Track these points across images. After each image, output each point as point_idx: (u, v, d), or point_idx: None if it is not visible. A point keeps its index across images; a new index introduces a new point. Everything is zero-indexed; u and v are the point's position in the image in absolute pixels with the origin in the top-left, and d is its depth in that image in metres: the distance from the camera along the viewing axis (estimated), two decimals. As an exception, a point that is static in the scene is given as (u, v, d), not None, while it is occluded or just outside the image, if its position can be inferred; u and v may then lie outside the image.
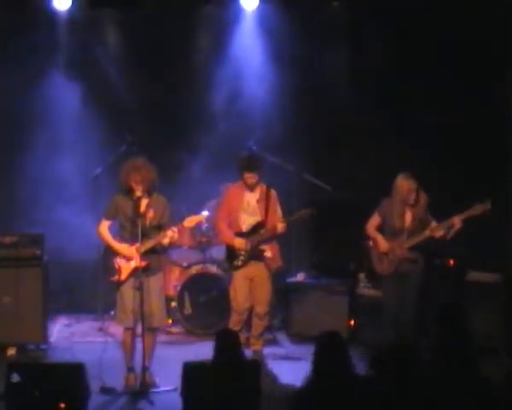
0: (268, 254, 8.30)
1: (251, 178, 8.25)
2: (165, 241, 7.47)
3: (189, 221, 7.55)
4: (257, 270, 8.25)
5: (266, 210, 8.27)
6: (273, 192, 8.39)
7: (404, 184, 8.24)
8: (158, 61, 10.57)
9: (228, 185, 8.54)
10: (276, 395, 7.14)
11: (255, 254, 8.24)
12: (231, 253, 8.32)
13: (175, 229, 7.42)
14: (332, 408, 4.91)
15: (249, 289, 8.27)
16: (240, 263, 8.25)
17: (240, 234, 8.28)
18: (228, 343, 5.74)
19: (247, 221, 8.30)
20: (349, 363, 5.08)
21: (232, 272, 8.36)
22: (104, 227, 7.60)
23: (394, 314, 8.12)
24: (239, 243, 8.23)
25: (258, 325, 8.31)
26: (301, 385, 5.07)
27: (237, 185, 8.39)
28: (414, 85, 10.76)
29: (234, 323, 8.24)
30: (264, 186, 8.36)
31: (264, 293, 8.27)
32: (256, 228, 8.26)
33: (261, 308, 8.27)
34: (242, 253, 8.24)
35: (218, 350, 5.67)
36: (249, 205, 8.31)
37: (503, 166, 10.68)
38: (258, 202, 8.30)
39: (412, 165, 10.62)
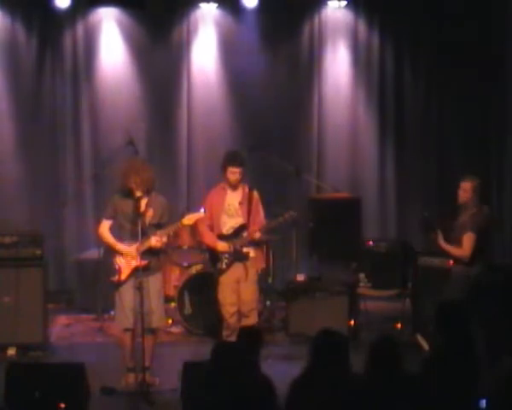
0: (252, 254, 8.23)
1: (235, 173, 8.08)
2: (158, 244, 7.44)
3: (188, 219, 7.54)
4: (241, 271, 8.17)
5: (249, 213, 8.16)
6: (255, 194, 8.26)
7: (461, 183, 8.16)
8: (158, 60, 10.58)
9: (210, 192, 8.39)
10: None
11: (239, 257, 8.15)
12: (214, 256, 8.24)
13: (158, 238, 7.37)
14: (326, 402, 4.95)
15: (235, 291, 8.20)
16: (224, 266, 8.16)
17: (221, 236, 8.19)
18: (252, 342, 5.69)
19: (228, 223, 8.18)
20: (348, 361, 5.11)
21: (217, 275, 8.27)
22: (104, 228, 7.58)
23: None
24: (222, 246, 8.13)
25: (245, 323, 8.14)
26: (299, 376, 5.11)
27: (218, 187, 8.27)
28: (414, 84, 10.78)
29: (225, 327, 8.24)
30: (247, 187, 8.23)
31: (248, 293, 8.20)
32: (238, 231, 8.16)
33: (245, 307, 8.20)
34: (226, 256, 8.15)
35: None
36: (230, 206, 8.19)
37: (500, 167, 10.70)
38: (240, 203, 8.17)
39: (412, 165, 10.73)
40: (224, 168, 8.16)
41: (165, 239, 7.45)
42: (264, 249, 9.19)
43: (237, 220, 8.20)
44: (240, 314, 8.23)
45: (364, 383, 5.04)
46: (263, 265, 8.44)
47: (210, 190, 8.40)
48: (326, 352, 5.10)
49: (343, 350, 5.14)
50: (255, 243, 8.26)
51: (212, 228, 8.25)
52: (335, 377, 5.03)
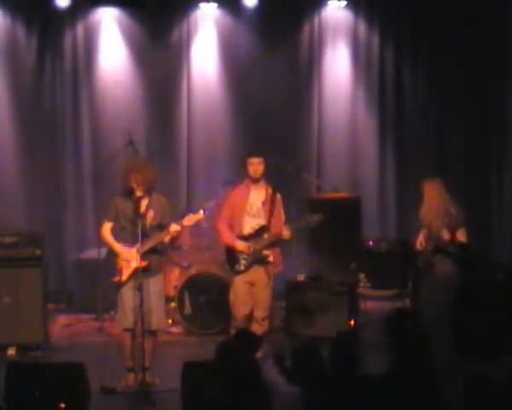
0: (270, 258, 8.09)
1: (254, 163, 8.00)
2: (167, 238, 7.47)
3: (188, 220, 7.53)
4: (258, 274, 8.06)
5: (270, 214, 8.03)
6: (278, 196, 8.16)
7: (424, 185, 8.16)
8: (158, 59, 10.58)
9: (232, 188, 8.31)
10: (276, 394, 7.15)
11: (258, 259, 8.02)
12: (232, 256, 8.10)
13: (178, 225, 7.41)
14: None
15: (249, 293, 8.11)
16: (242, 268, 8.05)
17: (241, 237, 8.06)
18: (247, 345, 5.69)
19: (248, 224, 8.06)
20: (358, 363, 5.13)
21: (234, 275, 8.18)
22: (106, 230, 7.57)
23: None
24: (242, 246, 7.99)
25: (256, 328, 8.01)
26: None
27: (241, 186, 8.17)
28: (414, 84, 10.78)
29: (233, 327, 8.19)
30: (271, 189, 8.13)
31: (263, 298, 8.12)
32: (259, 232, 8.04)
33: (259, 313, 8.13)
34: (244, 257, 8.02)
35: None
36: (252, 207, 8.07)
37: (501, 166, 10.70)
38: (263, 203, 8.07)
39: (412, 164, 10.73)
40: (243, 164, 8.09)
41: (168, 238, 7.48)
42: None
43: (258, 221, 8.08)
44: (252, 318, 8.15)
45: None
46: (280, 268, 8.28)
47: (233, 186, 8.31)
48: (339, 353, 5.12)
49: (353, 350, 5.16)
50: (274, 245, 8.10)
51: (231, 227, 8.13)
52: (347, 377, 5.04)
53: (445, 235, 8.03)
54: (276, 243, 8.10)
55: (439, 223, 8.00)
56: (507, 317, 8.37)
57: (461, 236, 8.03)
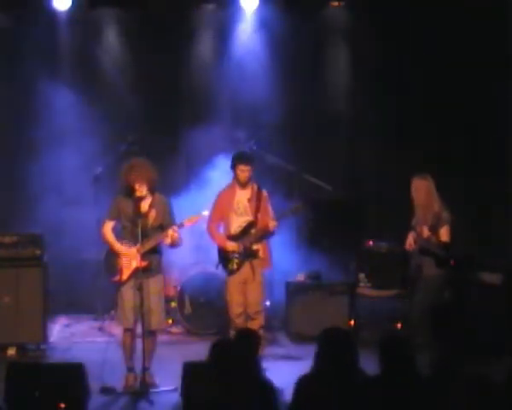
0: (261, 254, 8.23)
1: (244, 171, 8.18)
2: (167, 241, 7.48)
3: (189, 220, 7.56)
4: (249, 272, 8.19)
5: (257, 210, 8.21)
6: (264, 193, 8.32)
7: (413, 182, 8.31)
8: (158, 61, 10.58)
9: (219, 191, 8.43)
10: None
11: (249, 255, 8.17)
12: (224, 256, 8.25)
13: (175, 228, 7.42)
14: (332, 402, 4.94)
15: (242, 292, 8.22)
16: (235, 266, 8.18)
17: (230, 236, 8.22)
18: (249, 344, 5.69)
19: (235, 223, 8.23)
20: (355, 359, 5.11)
21: (227, 276, 8.28)
22: (107, 228, 7.60)
23: None
24: (231, 246, 8.16)
25: (253, 325, 8.10)
26: (305, 376, 5.11)
27: (227, 187, 8.33)
28: (414, 84, 10.78)
29: (232, 327, 8.22)
30: (256, 186, 8.30)
31: (254, 294, 8.21)
32: (247, 229, 8.20)
33: (251, 308, 8.21)
34: (236, 256, 8.18)
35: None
36: (239, 205, 8.23)
37: (502, 166, 10.69)
38: (249, 200, 8.23)
39: (412, 164, 10.71)
40: (233, 167, 8.25)
41: (168, 239, 7.48)
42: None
43: (245, 219, 8.24)
44: (246, 316, 8.22)
45: (376, 383, 5.03)
46: (269, 265, 8.39)
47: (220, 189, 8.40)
48: (332, 350, 5.10)
49: (350, 347, 5.14)
50: (265, 237, 8.23)
51: (223, 229, 8.28)
52: (343, 375, 5.03)
53: (425, 232, 8.06)
54: (264, 236, 8.24)
55: (422, 220, 8.06)
56: (507, 317, 8.37)
57: (443, 234, 8.06)
